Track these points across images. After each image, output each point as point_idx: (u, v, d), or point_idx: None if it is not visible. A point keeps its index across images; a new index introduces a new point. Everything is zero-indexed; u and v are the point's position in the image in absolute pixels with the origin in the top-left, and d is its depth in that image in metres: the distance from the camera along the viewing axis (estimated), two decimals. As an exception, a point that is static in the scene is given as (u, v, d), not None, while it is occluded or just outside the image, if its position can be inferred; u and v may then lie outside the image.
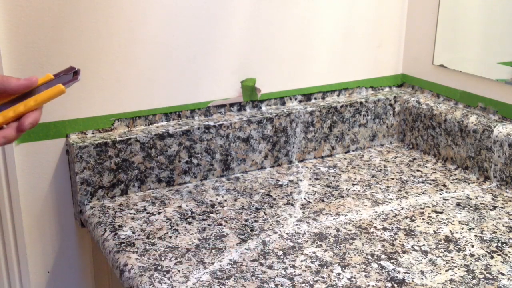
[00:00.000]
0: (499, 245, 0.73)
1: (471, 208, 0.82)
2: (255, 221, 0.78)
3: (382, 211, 0.81)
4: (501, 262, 0.69)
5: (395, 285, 0.65)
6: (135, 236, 0.74)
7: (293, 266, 0.68)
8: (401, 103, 1.04)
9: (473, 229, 0.77)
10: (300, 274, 0.67)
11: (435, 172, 0.94)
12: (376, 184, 0.90)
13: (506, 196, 0.86)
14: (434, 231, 0.76)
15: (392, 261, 0.69)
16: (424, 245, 0.73)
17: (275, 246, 0.72)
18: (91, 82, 0.83)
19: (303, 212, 0.81)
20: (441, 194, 0.86)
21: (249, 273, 0.67)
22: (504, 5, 0.89)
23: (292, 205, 0.83)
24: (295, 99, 0.99)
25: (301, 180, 0.91)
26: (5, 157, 0.80)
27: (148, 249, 0.71)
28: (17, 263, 0.85)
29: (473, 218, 0.80)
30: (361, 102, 1.01)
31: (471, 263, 0.69)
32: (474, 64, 0.95)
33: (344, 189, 0.88)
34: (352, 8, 0.99)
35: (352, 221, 0.79)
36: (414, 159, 0.99)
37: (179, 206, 0.82)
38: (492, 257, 0.70)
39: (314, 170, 0.95)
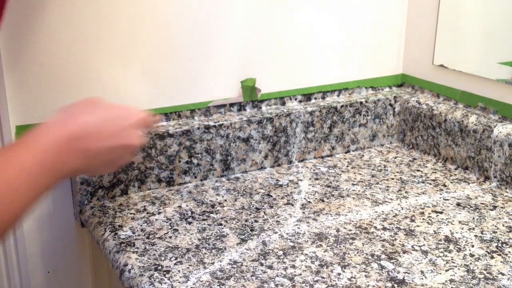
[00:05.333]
0: (499, 245, 0.73)
1: (471, 208, 0.82)
2: (255, 221, 0.78)
3: (382, 211, 0.81)
4: (501, 262, 0.69)
5: (395, 285, 0.65)
6: (135, 236, 0.74)
7: (293, 266, 0.68)
8: (401, 103, 1.04)
9: (473, 229, 0.77)
10: (300, 274, 0.67)
11: (435, 172, 0.94)
12: (376, 184, 0.90)
13: (506, 196, 0.86)
14: (434, 231, 0.76)
15: (392, 261, 0.69)
16: (424, 245, 0.73)
17: (275, 246, 0.72)
18: (91, 82, 0.83)
19: (303, 212, 0.81)
20: (441, 194, 0.86)
21: (249, 273, 0.67)
22: (504, 5, 0.89)
23: (292, 205, 0.83)
24: (295, 99, 0.99)
25: (301, 180, 0.91)
26: (5, 157, 0.80)
27: (148, 249, 0.71)
28: (17, 263, 0.85)
29: (473, 218, 0.80)
30: (361, 102, 1.01)
31: (471, 263, 0.69)
32: (474, 64, 0.95)
33: (344, 189, 0.88)
34: (352, 8, 0.99)
35: (352, 221, 0.79)
36: (414, 159, 0.99)
37: (179, 206, 0.82)
38: (492, 257, 0.70)
39: (314, 170, 0.95)
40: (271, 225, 0.77)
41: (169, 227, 0.77)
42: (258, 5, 0.91)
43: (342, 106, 0.99)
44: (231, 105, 0.94)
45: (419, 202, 0.84)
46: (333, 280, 0.66)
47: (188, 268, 0.68)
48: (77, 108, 0.64)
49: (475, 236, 0.75)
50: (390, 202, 0.84)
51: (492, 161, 0.89)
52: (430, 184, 0.90)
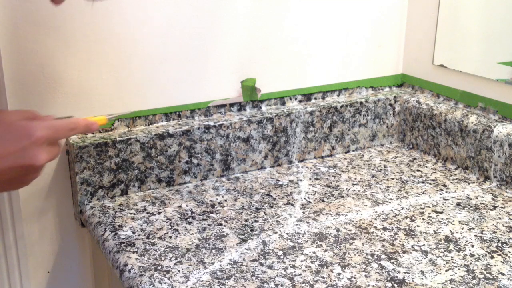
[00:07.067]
0: (499, 245, 0.73)
1: (471, 208, 0.82)
2: (255, 221, 0.78)
3: (382, 211, 0.81)
4: (501, 262, 0.69)
5: (395, 285, 0.65)
6: (135, 236, 0.75)
7: (293, 266, 0.68)
8: (401, 103, 1.04)
9: (473, 229, 0.77)
10: (300, 274, 0.67)
11: (435, 172, 0.94)
12: (376, 184, 0.90)
13: (506, 196, 0.86)
14: (434, 231, 0.76)
15: (392, 261, 0.70)
16: (424, 245, 0.73)
17: (275, 246, 0.73)
18: (91, 82, 0.83)
19: (303, 212, 0.81)
20: (441, 194, 0.87)
21: (249, 273, 0.67)
22: (504, 5, 0.89)
23: (292, 205, 0.83)
24: (295, 99, 0.99)
25: (301, 180, 0.91)
26: (5, 157, 0.80)
27: (148, 249, 0.71)
28: (17, 263, 0.85)
29: (473, 218, 0.80)
30: (361, 102, 1.01)
31: (471, 263, 0.69)
32: (474, 64, 0.95)
33: (344, 189, 0.88)
34: (352, 8, 0.99)
35: (352, 221, 0.79)
36: (414, 159, 0.99)
37: (179, 206, 0.82)
38: (492, 257, 0.70)
39: (314, 170, 0.95)
40: (271, 225, 0.78)
41: (169, 227, 0.77)
42: (258, 5, 0.91)
43: (342, 106, 0.99)
44: (231, 105, 0.94)
45: (419, 202, 0.84)
46: (333, 280, 0.66)
47: (188, 268, 0.68)
48: None
49: (475, 236, 0.75)
50: (390, 202, 0.84)
51: (492, 161, 0.89)
52: (430, 184, 0.90)
